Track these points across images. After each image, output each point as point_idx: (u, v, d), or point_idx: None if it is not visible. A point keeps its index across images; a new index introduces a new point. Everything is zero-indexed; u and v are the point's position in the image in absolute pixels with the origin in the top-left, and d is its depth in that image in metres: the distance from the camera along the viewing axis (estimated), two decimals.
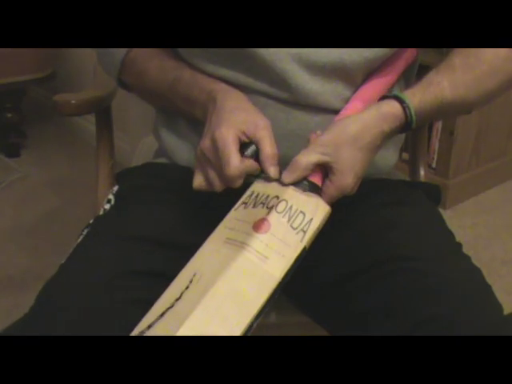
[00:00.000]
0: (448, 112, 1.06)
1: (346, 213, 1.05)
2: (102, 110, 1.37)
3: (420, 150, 1.47)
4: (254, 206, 0.92)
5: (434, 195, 1.17)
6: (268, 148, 0.92)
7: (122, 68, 1.13)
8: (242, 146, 0.93)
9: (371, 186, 1.09)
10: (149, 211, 1.05)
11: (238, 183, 0.91)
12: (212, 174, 0.93)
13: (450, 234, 1.07)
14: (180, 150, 1.12)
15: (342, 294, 0.99)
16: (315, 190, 0.94)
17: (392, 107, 0.97)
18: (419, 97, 0.98)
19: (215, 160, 0.92)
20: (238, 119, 0.94)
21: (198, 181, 0.95)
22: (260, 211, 0.91)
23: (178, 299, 0.84)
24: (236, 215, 0.92)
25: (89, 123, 2.78)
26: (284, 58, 1.00)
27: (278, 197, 0.92)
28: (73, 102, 1.30)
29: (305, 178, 0.94)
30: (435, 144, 2.56)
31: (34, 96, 3.18)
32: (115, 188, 1.14)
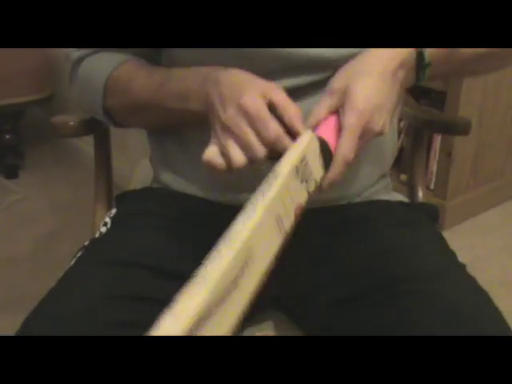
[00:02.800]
0: (459, 63, 1.02)
1: (346, 235, 1.05)
2: (101, 132, 1.37)
3: (418, 172, 1.47)
4: (302, 182, 0.83)
5: (431, 215, 1.17)
6: (291, 107, 0.88)
7: (105, 93, 1.10)
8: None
9: (370, 208, 1.09)
10: (144, 237, 1.05)
11: (243, 158, 0.87)
12: (234, 147, 0.87)
13: (453, 255, 1.05)
14: (176, 183, 1.12)
15: (344, 318, 0.98)
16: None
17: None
18: None
19: (246, 128, 0.87)
20: (255, 85, 0.90)
21: (211, 152, 0.88)
22: (303, 193, 0.83)
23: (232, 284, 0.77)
24: (290, 185, 0.81)
25: (87, 145, 2.78)
26: (266, 57, 0.99)
27: (316, 181, 0.85)
28: (71, 123, 1.31)
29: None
30: (433, 165, 2.57)
31: (32, 117, 3.19)
32: (113, 211, 1.14)
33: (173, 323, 0.57)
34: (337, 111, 0.90)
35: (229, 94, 0.89)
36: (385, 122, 0.90)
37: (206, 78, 0.94)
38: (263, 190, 0.76)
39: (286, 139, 0.86)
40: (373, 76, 0.90)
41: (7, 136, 2.91)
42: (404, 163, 2.58)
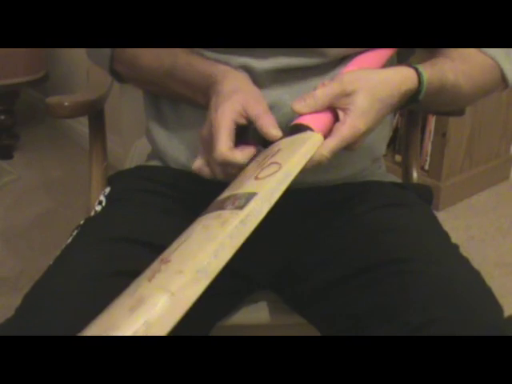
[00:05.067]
0: (446, 97, 1.06)
1: (338, 216, 1.05)
2: (95, 113, 1.37)
3: (412, 152, 1.47)
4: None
5: (425, 196, 1.17)
6: (266, 116, 0.91)
7: (113, 56, 1.11)
8: (242, 129, 0.91)
9: (362, 189, 1.09)
10: (139, 214, 1.05)
11: (221, 172, 0.91)
12: (212, 162, 0.92)
13: (446, 235, 1.06)
14: (170, 149, 1.11)
15: (339, 297, 0.98)
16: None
17: (409, 71, 0.97)
18: (429, 70, 0.98)
19: (210, 146, 0.91)
20: (235, 100, 0.92)
21: (198, 163, 0.95)
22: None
23: None
24: None
25: (82, 125, 2.78)
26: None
27: None
28: (66, 104, 1.30)
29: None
30: (428, 146, 2.56)
31: (26, 98, 3.18)
32: (107, 190, 1.14)
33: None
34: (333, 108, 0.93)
35: (212, 106, 0.94)
36: (363, 141, 0.94)
37: (209, 80, 0.98)
38: (273, 186, 0.80)
39: (231, 160, 0.89)
40: (380, 102, 0.93)
41: (2, 117, 2.90)
42: (399, 144, 2.58)
